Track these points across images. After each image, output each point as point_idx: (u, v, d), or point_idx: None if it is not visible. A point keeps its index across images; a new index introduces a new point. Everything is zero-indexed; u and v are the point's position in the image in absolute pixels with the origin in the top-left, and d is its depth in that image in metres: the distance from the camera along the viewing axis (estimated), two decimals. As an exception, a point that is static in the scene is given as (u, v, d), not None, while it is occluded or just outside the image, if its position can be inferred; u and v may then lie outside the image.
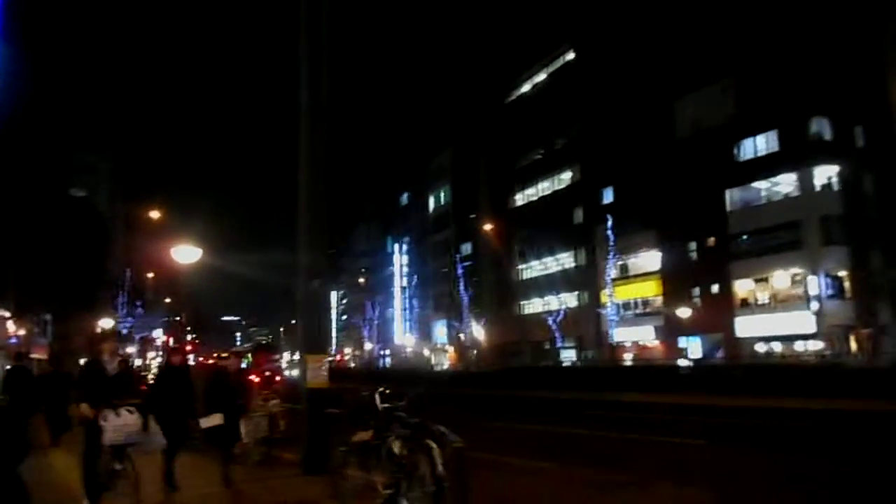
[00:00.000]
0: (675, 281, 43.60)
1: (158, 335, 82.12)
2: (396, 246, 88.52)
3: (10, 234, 36.01)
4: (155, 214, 42.95)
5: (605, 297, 48.64)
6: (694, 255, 43.21)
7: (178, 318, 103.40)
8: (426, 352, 75.70)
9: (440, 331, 75.35)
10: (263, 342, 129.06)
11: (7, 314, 36.75)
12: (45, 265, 42.49)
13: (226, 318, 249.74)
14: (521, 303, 61.85)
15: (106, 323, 40.61)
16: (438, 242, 77.13)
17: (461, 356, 67.41)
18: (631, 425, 15.53)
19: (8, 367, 15.64)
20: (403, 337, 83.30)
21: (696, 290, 42.47)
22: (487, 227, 59.11)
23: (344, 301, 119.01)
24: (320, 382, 8.72)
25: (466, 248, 67.56)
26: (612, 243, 45.36)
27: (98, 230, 65.38)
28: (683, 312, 41.86)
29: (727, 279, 40.53)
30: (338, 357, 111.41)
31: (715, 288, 41.31)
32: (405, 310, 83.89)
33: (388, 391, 6.06)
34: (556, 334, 50.24)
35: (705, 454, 11.50)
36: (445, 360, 72.61)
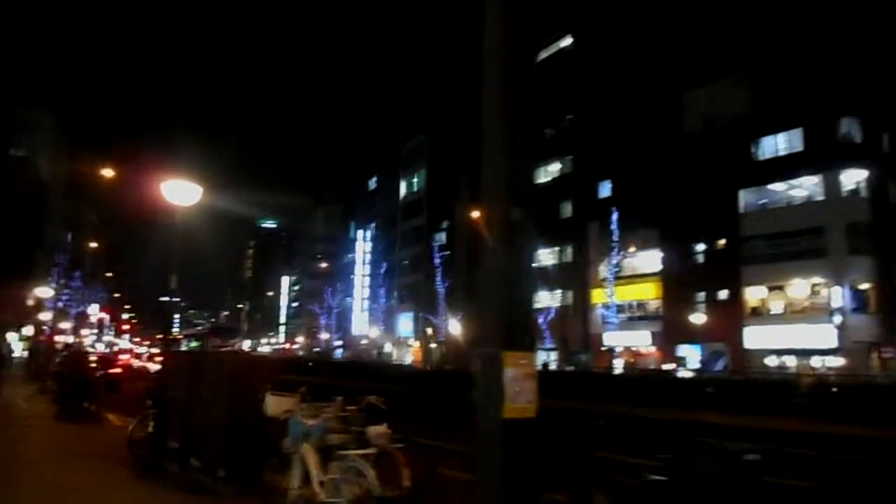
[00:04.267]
0: (677, 284, 40.71)
1: (94, 311, 75.89)
2: (360, 232, 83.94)
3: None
4: (107, 172, 37.48)
5: (598, 296, 45.53)
6: (700, 258, 40.38)
7: (116, 295, 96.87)
8: (388, 345, 71.52)
9: (405, 324, 71.22)
10: (222, 324, 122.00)
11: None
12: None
13: (164, 299, 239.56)
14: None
15: (43, 292, 35.15)
16: (409, 230, 72.97)
17: (426, 352, 63.60)
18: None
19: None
20: (363, 328, 78.87)
21: (701, 296, 39.61)
22: (468, 216, 55.42)
23: (297, 287, 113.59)
24: (524, 407, 4.61)
25: (440, 238, 63.63)
26: (615, 240, 42.08)
27: (37, 192, 59.64)
28: (687, 318, 38.98)
29: (737, 285, 37.77)
30: (287, 345, 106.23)
31: (722, 294, 38.52)
32: (366, 299, 79.45)
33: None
34: (546, 334, 46.78)
35: None
36: (408, 356, 68.65)
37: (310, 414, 6.53)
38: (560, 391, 26.65)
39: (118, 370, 24.23)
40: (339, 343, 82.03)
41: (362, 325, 79.65)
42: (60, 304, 44.34)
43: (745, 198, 38.64)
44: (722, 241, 38.97)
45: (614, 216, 42.52)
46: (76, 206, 64.52)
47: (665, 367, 38.42)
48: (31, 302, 48.17)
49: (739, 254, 37.85)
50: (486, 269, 4.96)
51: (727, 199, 38.54)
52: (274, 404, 7.18)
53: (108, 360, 23.84)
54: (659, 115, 43.03)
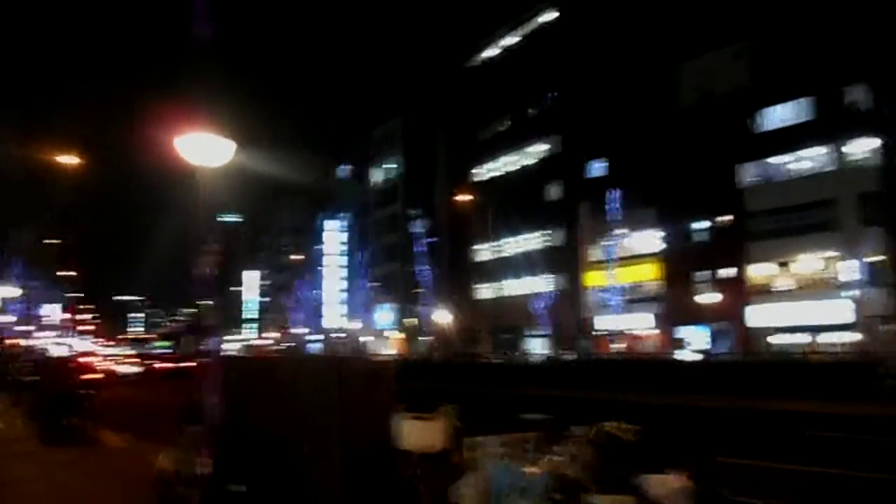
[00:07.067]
0: (678, 264, 39.30)
1: (50, 313, 71.66)
2: (330, 223, 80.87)
3: None
4: (70, 160, 33.91)
5: (592, 279, 44.00)
6: (702, 236, 38.99)
7: (77, 294, 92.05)
8: (364, 337, 68.98)
9: (383, 315, 68.79)
10: (198, 322, 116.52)
11: None
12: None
13: (119, 298, 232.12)
14: (479, 286, 56.52)
15: (9, 292, 31.91)
16: (384, 219, 70.42)
17: (411, 343, 61.46)
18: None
19: None
20: (337, 320, 76.12)
21: (704, 275, 38.23)
22: (449, 201, 53.48)
23: (266, 282, 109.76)
24: None
25: (420, 225, 61.20)
26: (614, 220, 40.33)
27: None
28: (689, 299, 37.60)
29: (742, 262, 36.46)
30: (257, 340, 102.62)
31: (727, 272, 37.18)
32: (343, 291, 76.67)
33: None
34: (542, 320, 45.08)
35: None
36: (386, 347, 66.33)
37: (501, 451, 4.33)
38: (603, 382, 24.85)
39: (99, 376, 21.56)
40: (317, 337, 79.11)
41: (335, 318, 76.93)
42: (19, 306, 40.82)
43: (747, 172, 37.31)
44: (725, 218, 37.61)
45: (610, 196, 40.68)
46: (33, 201, 60.46)
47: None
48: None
49: (744, 230, 36.53)
50: None
51: (728, 173, 37.20)
52: (413, 432, 5.01)
53: (86, 366, 21.17)
54: (652, 89, 41.55)
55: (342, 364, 5.84)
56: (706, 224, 38.69)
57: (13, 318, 34.74)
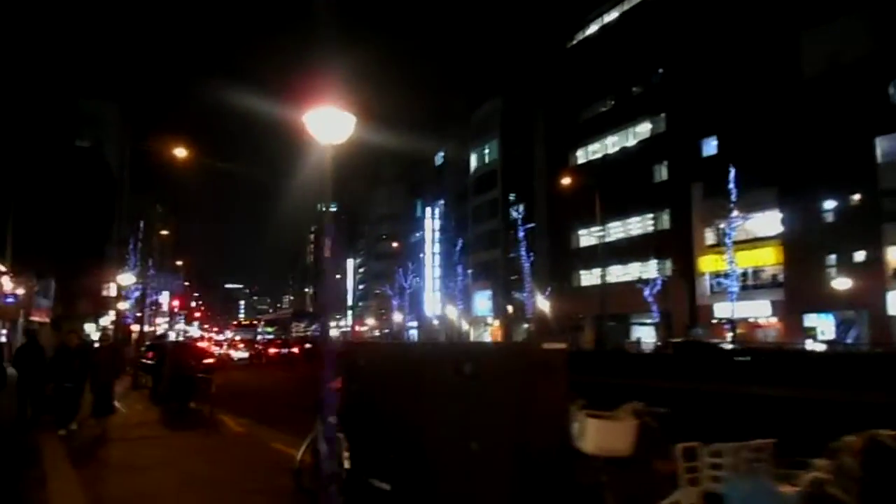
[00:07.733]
0: (803, 247, 36.45)
1: (165, 300, 75.43)
2: (428, 210, 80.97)
3: (11, 185, 29.23)
4: (180, 152, 34.99)
5: (705, 264, 41.67)
6: (829, 217, 35.98)
7: (187, 283, 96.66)
8: (465, 325, 68.67)
9: (481, 302, 68.23)
10: (302, 310, 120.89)
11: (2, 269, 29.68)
12: (48, 218, 35.65)
13: (229, 286, 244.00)
14: (581, 272, 54.85)
15: (126, 279, 33.42)
16: (482, 205, 69.62)
17: (508, 331, 60.66)
18: None
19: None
20: (435, 308, 76.24)
21: (831, 259, 35.32)
22: (549, 185, 52.08)
23: (362, 269, 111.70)
24: None
25: (519, 210, 59.98)
26: (733, 200, 37.70)
27: (106, 181, 58.68)
28: (814, 285, 34.80)
29: (877, 244, 33.38)
30: (355, 327, 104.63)
31: (858, 255, 34.18)
32: (437, 278, 76.69)
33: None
34: (650, 307, 43.24)
35: None
36: (486, 335, 65.87)
37: (730, 461, 3.45)
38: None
39: (212, 361, 21.92)
40: (414, 324, 79.71)
41: (434, 305, 77.10)
42: (137, 293, 42.94)
43: (883, 146, 34.08)
44: (856, 197, 34.53)
45: (728, 175, 37.98)
46: (145, 196, 63.99)
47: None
48: (106, 292, 47.03)
49: (879, 209, 33.40)
50: None
51: (860, 148, 34.06)
52: (597, 433, 4.19)
53: (204, 351, 21.61)
54: (771, 59, 38.64)
55: (517, 353, 5.00)
56: (834, 203, 35.60)
57: (127, 305, 36.44)
